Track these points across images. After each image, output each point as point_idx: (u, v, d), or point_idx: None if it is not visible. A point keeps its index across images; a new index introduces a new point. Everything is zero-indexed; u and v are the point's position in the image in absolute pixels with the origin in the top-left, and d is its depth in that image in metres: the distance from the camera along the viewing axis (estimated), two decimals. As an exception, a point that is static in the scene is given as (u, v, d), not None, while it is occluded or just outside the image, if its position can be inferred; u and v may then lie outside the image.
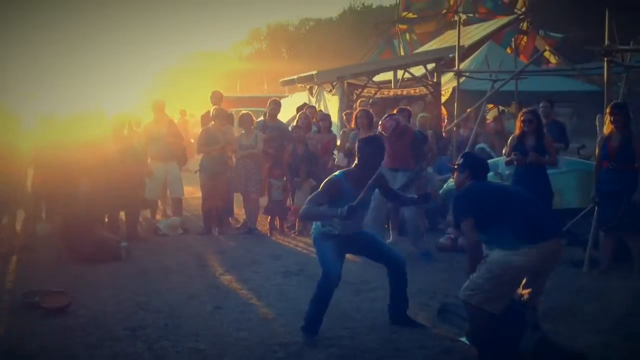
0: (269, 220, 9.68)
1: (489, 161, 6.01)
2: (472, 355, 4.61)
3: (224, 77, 36.63)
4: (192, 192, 12.52)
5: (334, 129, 10.95)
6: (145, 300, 6.18)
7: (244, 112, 10.05)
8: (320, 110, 12.04)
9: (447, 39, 21.77)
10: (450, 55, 13.53)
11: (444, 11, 28.05)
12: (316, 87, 14.08)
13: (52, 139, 8.68)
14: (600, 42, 8.27)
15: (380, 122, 7.78)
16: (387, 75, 15.04)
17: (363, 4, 53.22)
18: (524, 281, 4.49)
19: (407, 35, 28.49)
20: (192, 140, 13.14)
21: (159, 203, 10.64)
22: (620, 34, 8.85)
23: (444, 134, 12.14)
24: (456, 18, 23.81)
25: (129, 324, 5.50)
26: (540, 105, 9.33)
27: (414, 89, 13.61)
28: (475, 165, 4.78)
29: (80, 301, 6.05)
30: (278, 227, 9.65)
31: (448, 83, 14.97)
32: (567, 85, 16.49)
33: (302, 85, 15.44)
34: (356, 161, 5.20)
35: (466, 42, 17.71)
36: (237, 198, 10.19)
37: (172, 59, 46.07)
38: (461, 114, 11.75)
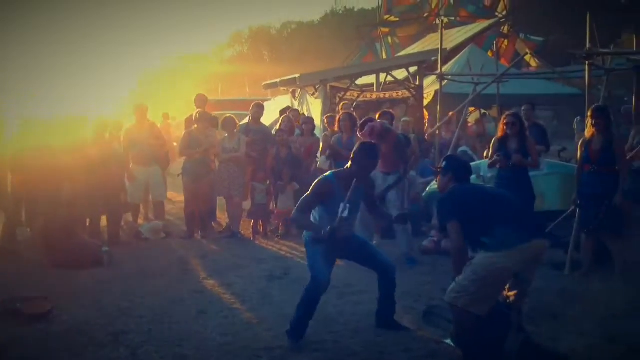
0: (252, 224, 9.65)
1: (471, 164, 6.04)
2: (457, 357, 4.62)
3: (206, 80, 36.53)
4: (175, 196, 12.47)
5: (317, 132, 10.95)
6: (128, 306, 6.13)
7: (227, 115, 10.01)
8: (303, 114, 12.04)
9: (429, 42, 21.93)
10: (433, 58, 13.61)
11: (426, 14, 28.24)
12: (299, 90, 14.09)
13: (32, 142, 8.58)
14: (580, 46, 8.35)
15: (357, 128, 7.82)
16: (370, 79, 15.09)
17: (345, 7, 53.49)
18: (509, 283, 4.51)
19: (389, 39, 28.64)
20: (175, 144, 13.07)
21: (141, 207, 10.57)
22: (599, 37, 8.95)
23: (426, 137, 12.19)
24: (438, 21, 23.95)
25: (111, 330, 5.45)
26: (522, 108, 9.40)
27: (397, 92, 13.67)
28: (459, 168, 4.81)
29: (62, 307, 5.98)
30: (261, 230, 9.61)
31: (430, 86, 15.05)
32: (547, 89, 16.67)
33: (285, 89, 15.44)
34: (350, 163, 5.23)
35: (448, 45, 17.84)
36: (220, 202, 10.15)
37: (153, 62, 45.85)
38: (444, 117, 11.81)
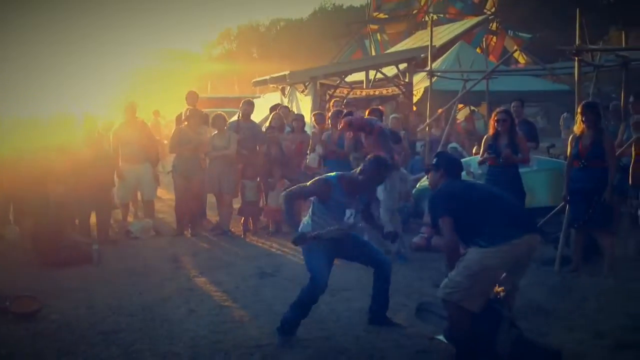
0: (242, 221, 9.63)
1: (461, 160, 6.05)
2: (449, 352, 4.63)
3: (195, 78, 36.39)
4: (164, 194, 12.43)
5: (307, 129, 10.94)
6: (118, 304, 6.10)
7: (218, 112, 9.98)
8: (292, 111, 12.02)
9: (418, 39, 21.95)
10: (422, 55, 13.62)
11: (415, 11, 28.30)
12: (288, 87, 14.06)
13: (20, 142, 8.53)
14: (567, 42, 8.37)
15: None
16: (360, 76, 15.09)
17: (334, 4, 53.47)
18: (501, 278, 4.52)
19: (378, 35, 28.67)
20: (165, 142, 13.01)
21: (131, 205, 10.51)
22: (588, 33, 8.98)
23: (417, 134, 12.19)
24: (427, 18, 24.02)
25: (102, 328, 5.42)
26: (512, 104, 9.42)
27: (386, 89, 13.67)
28: (450, 164, 4.81)
29: (51, 306, 5.95)
30: (252, 228, 9.59)
31: (420, 83, 15.06)
32: (536, 85, 16.72)
33: (275, 86, 15.41)
34: (360, 171, 5.24)
35: (437, 42, 17.85)
36: (210, 199, 10.12)
37: (142, 59, 45.56)
38: (433, 114, 11.82)
